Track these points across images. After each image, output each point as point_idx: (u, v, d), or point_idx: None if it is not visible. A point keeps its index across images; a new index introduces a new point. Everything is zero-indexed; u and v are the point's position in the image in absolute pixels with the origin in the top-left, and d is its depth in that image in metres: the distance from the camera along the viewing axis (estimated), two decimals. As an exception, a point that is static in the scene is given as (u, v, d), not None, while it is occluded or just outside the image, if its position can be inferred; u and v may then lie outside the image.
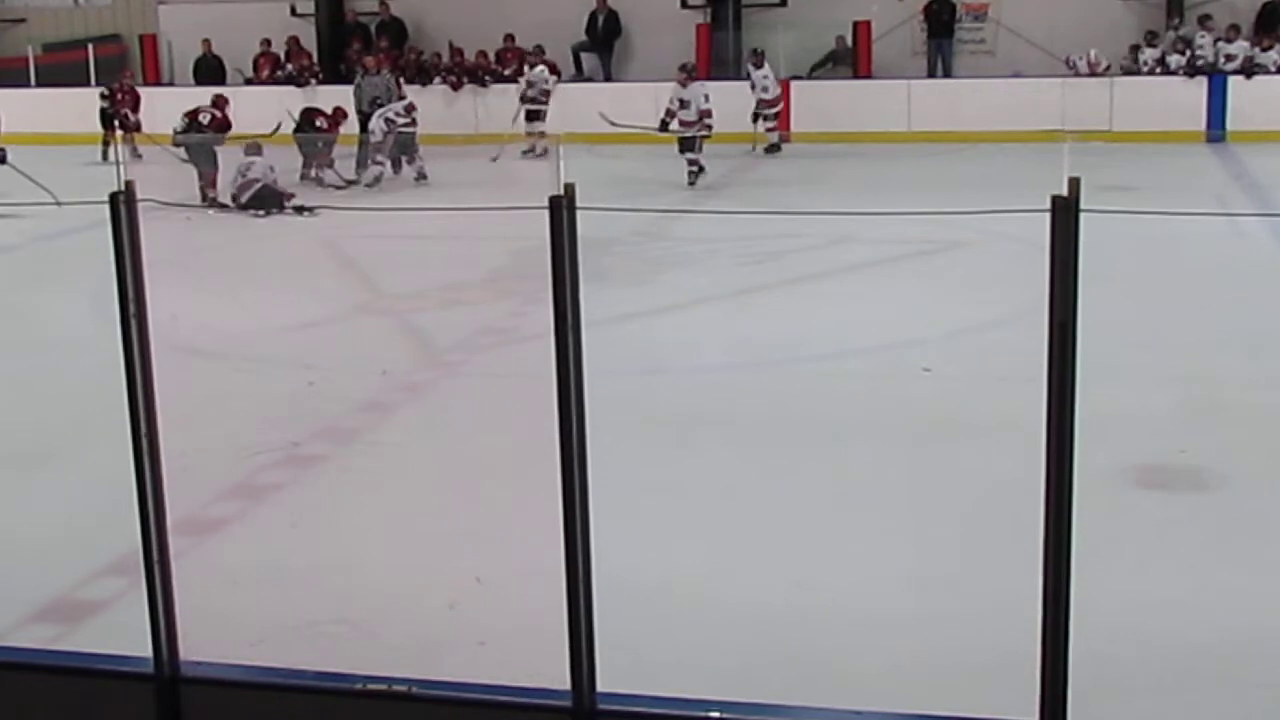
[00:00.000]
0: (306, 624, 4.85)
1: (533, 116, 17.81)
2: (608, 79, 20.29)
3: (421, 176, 15.63)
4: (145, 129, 17.35)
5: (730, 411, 7.27)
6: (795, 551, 5.42)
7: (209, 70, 20.84)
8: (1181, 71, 18.03)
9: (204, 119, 15.14)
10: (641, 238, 11.89)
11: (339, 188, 15.36)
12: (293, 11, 21.57)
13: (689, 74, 15.58)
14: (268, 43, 20.95)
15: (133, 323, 3.51)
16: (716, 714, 3.46)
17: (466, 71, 19.78)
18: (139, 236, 3.49)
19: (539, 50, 19.18)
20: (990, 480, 5.93)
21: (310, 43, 21.13)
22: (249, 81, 20.47)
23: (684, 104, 15.12)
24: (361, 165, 15.64)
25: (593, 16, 20.39)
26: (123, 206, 3.47)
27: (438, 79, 19.80)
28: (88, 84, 19.80)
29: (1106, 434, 5.42)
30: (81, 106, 18.49)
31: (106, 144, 17.80)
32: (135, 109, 18.32)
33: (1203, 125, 17.71)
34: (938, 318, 9.02)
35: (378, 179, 15.42)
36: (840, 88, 19.21)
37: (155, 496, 3.60)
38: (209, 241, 12.55)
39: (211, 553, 5.49)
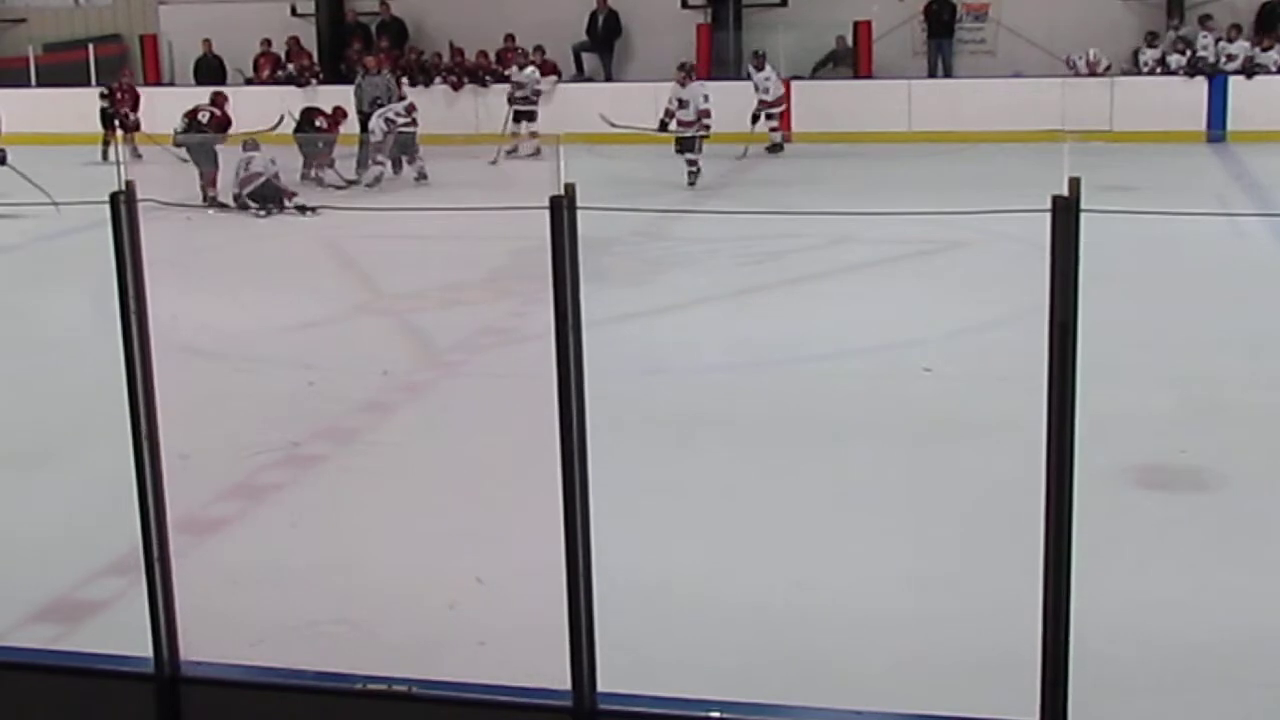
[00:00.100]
0: (306, 624, 4.85)
1: (522, 117, 17.77)
2: (608, 79, 20.29)
3: (422, 176, 15.63)
4: (146, 129, 17.34)
5: (730, 411, 7.27)
6: (795, 551, 5.42)
7: (209, 70, 20.82)
8: (1182, 71, 18.04)
9: (203, 118, 15.13)
10: (641, 238, 11.89)
11: (339, 188, 15.36)
12: (293, 11, 21.57)
13: (688, 73, 15.56)
14: (268, 43, 20.95)
15: (133, 322, 3.51)
16: (717, 714, 3.46)
17: (467, 72, 19.78)
18: (139, 236, 3.49)
19: (530, 51, 19.23)
20: (990, 480, 5.93)
21: (310, 43, 21.13)
22: (249, 81, 20.46)
23: (683, 104, 15.12)
24: (362, 165, 15.64)
25: (593, 16, 20.39)
26: (123, 206, 3.47)
27: (438, 79, 19.80)
28: (88, 84, 19.80)
29: (1107, 434, 5.42)
30: (82, 106, 18.49)
31: (107, 144, 17.80)
32: (135, 108, 18.31)
33: (1203, 125, 17.71)
34: (938, 318, 9.02)
35: (378, 179, 15.42)
36: (841, 88, 19.21)
37: (155, 496, 3.60)
38: (209, 241, 12.55)
39: (212, 553, 5.49)
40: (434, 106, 18.50)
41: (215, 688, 3.70)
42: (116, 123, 17.91)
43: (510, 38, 19.97)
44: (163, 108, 17.31)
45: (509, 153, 17.24)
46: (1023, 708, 3.15)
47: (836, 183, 15.18)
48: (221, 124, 15.11)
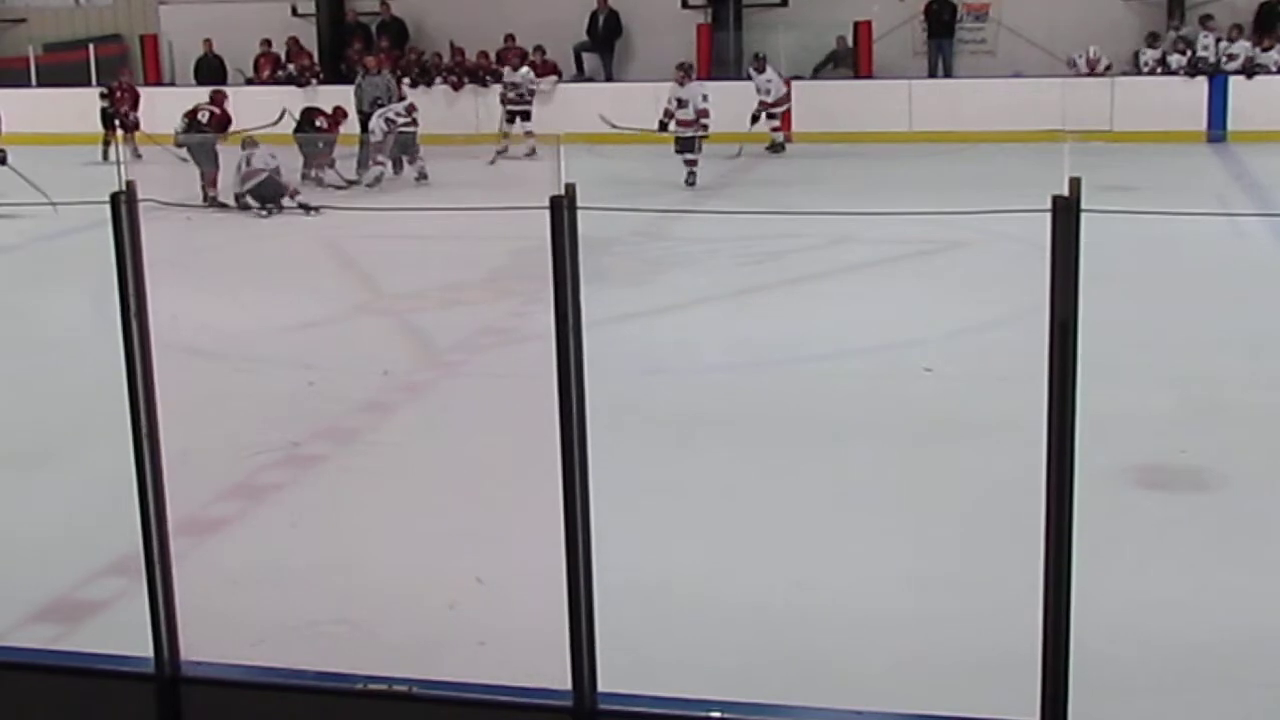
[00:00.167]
0: (307, 624, 4.85)
1: (516, 116, 17.72)
2: (609, 79, 20.29)
3: (422, 177, 15.63)
4: (146, 129, 17.34)
5: (730, 411, 7.27)
6: (795, 551, 5.42)
7: (210, 70, 20.83)
8: (1182, 71, 18.04)
9: (203, 117, 15.12)
10: (642, 238, 11.89)
11: (340, 188, 15.36)
12: (294, 11, 21.57)
13: (686, 73, 15.55)
14: (268, 43, 20.96)
15: (133, 322, 3.51)
16: (717, 714, 3.46)
17: (467, 72, 19.78)
18: (140, 236, 3.49)
19: (530, 51, 19.22)
20: (990, 480, 5.93)
21: (311, 43, 21.13)
22: (250, 81, 20.47)
23: (681, 103, 15.11)
24: (362, 165, 15.64)
25: (593, 16, 20.40)
26: (123, 206, 3.47)
27: (439, 79, 19.80)
28: (88, 84, 19.79)
29: (1107, 434, 5.42)
30: (82, 106, 18.49)
31: (107, 144, 17.80)
32: (135, 107, 18.30)
33: (1203, 125, 17.72)
34: (938, 318, 9.02)
35: (378, 179, 15.42)
36: (841, 88, 19.21)
37: (156, 496, 3.59)
38: (209, 241, 12.55)
39: (212, 553, 5.49)
40: (434, 106, 18.51)
41: (216, 688, 3.70)
42: (117, 122, 17.91)
43: (510, 38, 19.97)
44: (163, 108, 17.30)
45: (499, 153, 17.22)
46: (1023, 708, 3.15)
47: (837, 183, 15.18)
48: (221, 122, 15.10)
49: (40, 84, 20.91)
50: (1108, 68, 18.37)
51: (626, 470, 5.66)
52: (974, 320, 8.84)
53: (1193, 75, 17.93)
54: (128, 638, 3.85)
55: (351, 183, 15.50)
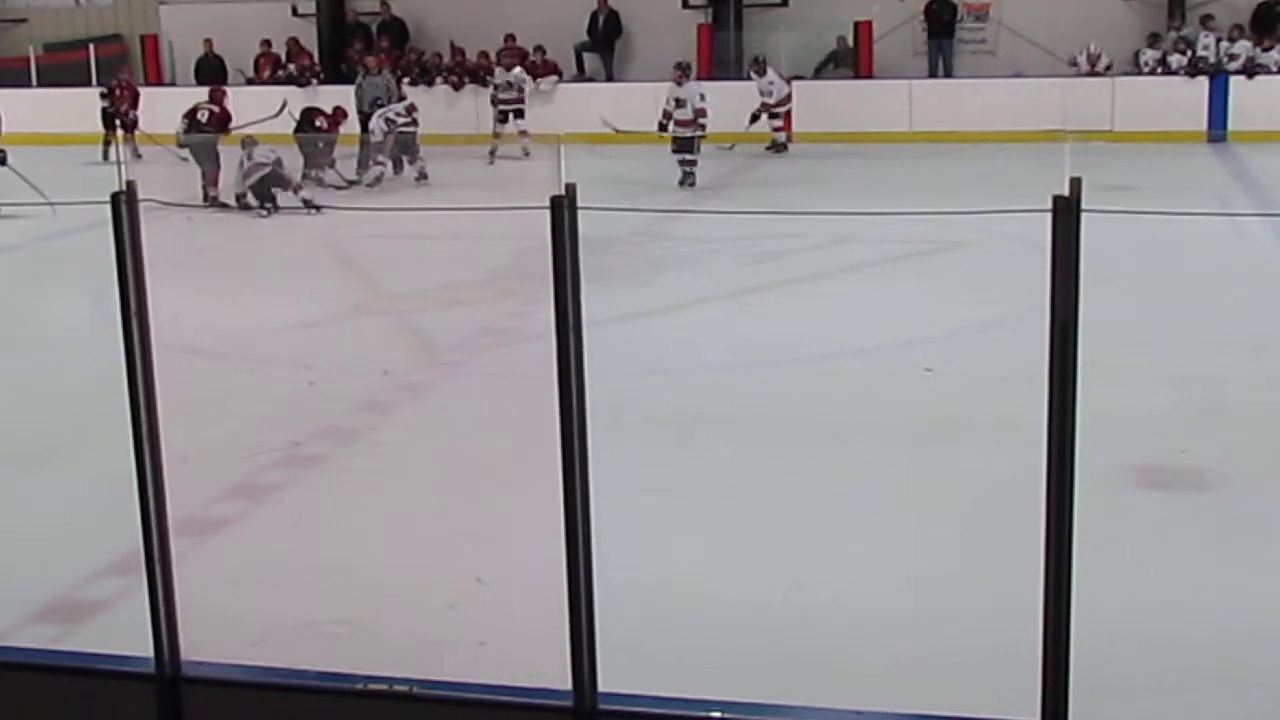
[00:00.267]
0: (307, 624, 4.85)
1: (510, 116, 17.65)
2: (609, 79, 20.29)
3: (422, 177, 15.63)
4: (147, 129, 17.33)
5: (730, 411, 7.27)
6: (795, 551, 5.42)
7: (210, 70, 20.82)
8: (1183, 71, 18.04)
9: (202, 116, 15.11)
10: (642, 238, 11.89)
11: (340, 188, 15.36)
12: (294, 11, 21.58)
13: (684, 72, 15.52)
14: (268, 43, 20.97)
15: (133, 322, 3.51)
16: (717, 714, 3.46)
17: (468, 72, 19.78)
18: (140, 236, 3.49)
19: (525, 51, 19.23)
20: (990, 480, 5.93)
21: (311, 43, 21.14)
22: (250, 81, 20.47)
23: (680, 103, 15.10)
24: (362, 165, 15.64)
25: (594, 16, 20.40)
26: (124, 206, 3.47)
27: (439, 79, 19.80)
28: (89, 84, 19.80)
29: (1107, 434, 5.41)
30: (82, 107, 18.50)
31: (107, 144, 17.80)
32: (134, 104, 18.30)
33: (1204, 125, 17.72)
34: (938, 318, 9.02)
35: (379, 179, 15.42)
36: (841, 88, 19.21)
37: (156, 496, 3.59)
38: (210, 241, 12.55)
39: (212, 553, 5.49)
40: (435, 106, 18.52)
41: (216, 688, 3.70)
42: (117, 122, 17.91)
43: (510, 38, 19.97)
44: (163, 108, 17.30)
45: (492, 152, 17.20)
46: (1023, 708, 3.15)
47: (837, 183, 15.18)
48: (221, 119, 15.10)
49: (40, 84, 20.91)
50: (1108, 67, 18.37)
51: (626, 470, 5.65)
52: (974, 320, 8.84)
53: (1193, 75, 17.93)
54: (128, 638, 3.86)
55: (352, 183, 15.50)
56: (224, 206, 13.80)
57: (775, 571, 5.23)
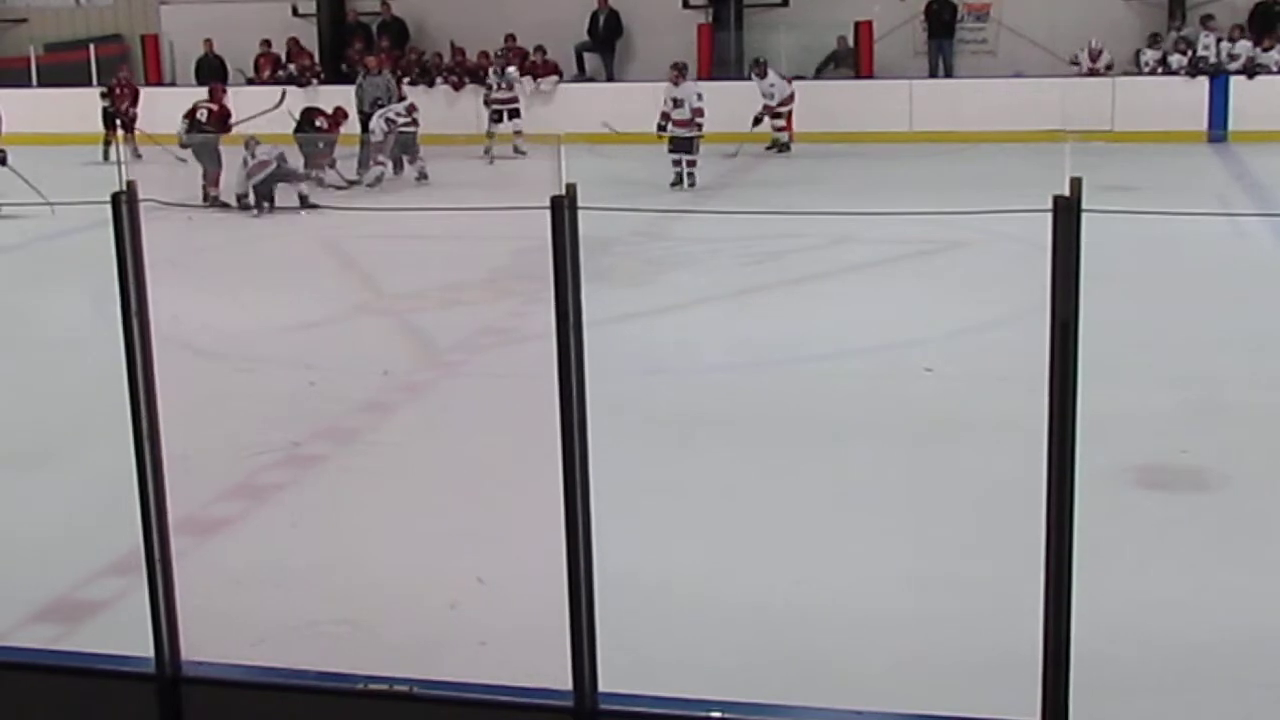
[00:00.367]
0: (307, 624, 4.85)
1: (505, 115, 17.63)
2: (610, 79, 20.29)
3: (423, 177, 15.63)
4: (147, 129, 17.32)
5: (730, 411, 7.27)
6: (795, 551, 5.42)
7: (210, 70, 20.79)
8: (1183, 71, 18.04)
9: (202, 115, 15.09)
10: (642, 238, 11.89)
11: (340, 188, 15.35)
12: (294, 11, 21.57)
13: (681, 72, 15.50)
14: (269, 43, 20.96)
15: (134, 322, 3.51)
16: (718, 714, 3.46)
17: (468, 72, 19.77)
18: (140, 236, 3.49)
19: (525, 51, 19.22)
20: (990, 480, 5.93)
21: (311, 43, 21.13)
22: (250, 81, 20.46)
23: (677, 103, 15.09)
24: (363, 165, 15.64)
25: (594, 16, 20.39)
26: (124, 206, 3.47)
27: (439, 79, 19.80)
28: (89, 84, 19.78)
29: (1107, 434, 5.42)
30: (83, 107, 18.49)
31: (108, 144, 17.79)
32: (134, 103, 18.29)
33: (1204, 125, 17.72)
34: (938, 318, 9.02)
35: (379, 179, 15.42)
36: (842, 88, 19.20)
37: (156, 496, 3.59)
38: (210, 241, 12.55)
39: (213, 553, 5.49)
40: (435, 107, 18.51)
41: (216, 688, 3.70)
42: (118, 122, 17.91)
43: (511, 38, 19.95)
44: (163, 108, 17.29)
45: (486, 151, 17.20)
46: (1023, 708, 3.15)
47: (837, 183, 15.18)
48: (221, 117, 15.09)
49: (41, 84, 20.90)
50: (1109, 65, 18.37)
51: (626, 470, 5.65)
52: (974, 320, 8.84)
53: (1194, 75, 17.93)
54: (128, 638, 3.86)
55: (352, 183, 15.50)
56: (224, 206, 13.80)
57: (775, 571, 5.23)
